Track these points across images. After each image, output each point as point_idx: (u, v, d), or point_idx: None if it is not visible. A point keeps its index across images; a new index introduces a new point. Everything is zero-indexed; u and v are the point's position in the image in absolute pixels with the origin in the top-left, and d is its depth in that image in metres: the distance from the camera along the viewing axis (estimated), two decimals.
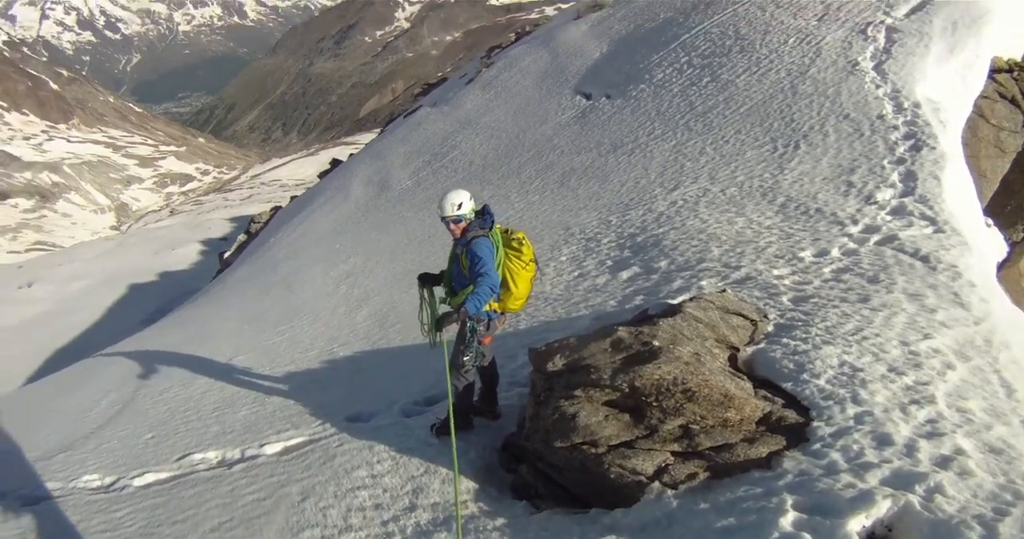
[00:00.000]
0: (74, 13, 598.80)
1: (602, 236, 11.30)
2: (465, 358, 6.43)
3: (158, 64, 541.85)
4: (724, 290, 6.54)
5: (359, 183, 26.31)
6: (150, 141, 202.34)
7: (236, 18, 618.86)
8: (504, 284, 6.14)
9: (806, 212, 9.24)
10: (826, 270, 7.42)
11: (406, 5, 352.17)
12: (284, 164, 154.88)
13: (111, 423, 9.59)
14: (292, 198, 42.06)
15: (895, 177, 9.79)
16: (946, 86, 13.25)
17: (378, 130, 44.62)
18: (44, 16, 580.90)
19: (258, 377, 10.23)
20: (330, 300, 14.63)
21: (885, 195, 9.27)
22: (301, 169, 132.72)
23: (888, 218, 8.59)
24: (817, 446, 4.82)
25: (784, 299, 6.79)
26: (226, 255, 36.99)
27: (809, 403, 5.21)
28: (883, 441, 4.74)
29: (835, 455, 4.69)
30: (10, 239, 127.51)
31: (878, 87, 13.18)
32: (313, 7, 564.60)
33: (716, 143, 13.72)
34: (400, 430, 7.10)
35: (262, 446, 7.41)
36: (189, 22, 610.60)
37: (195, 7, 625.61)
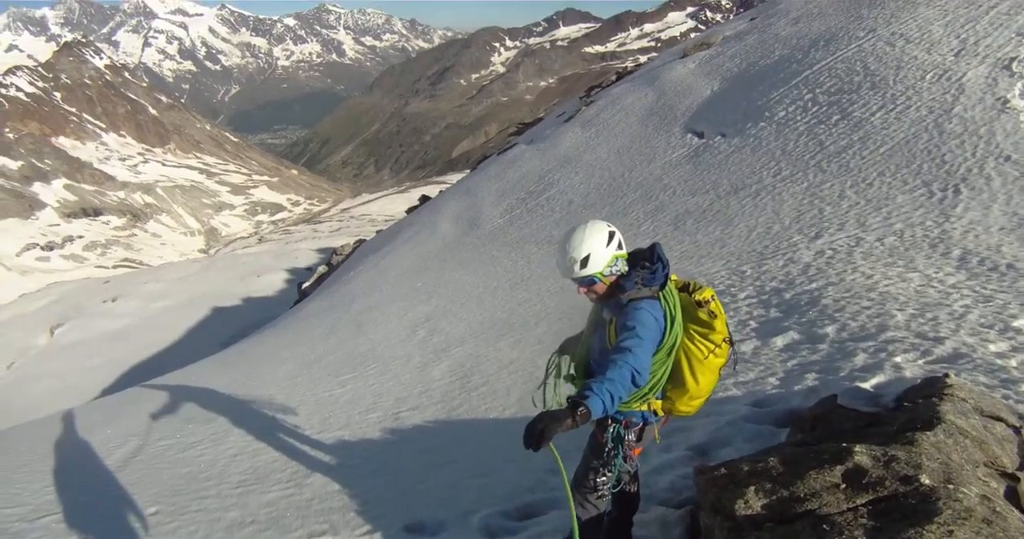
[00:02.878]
0: (176, 42, 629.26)
1: (737, 290, 10.16)
2: (601, 478, 4.38)
3: (255, 96, 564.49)
4: (947, 375, 4.93)
5: (447, 219, 25.88)
6: (244, 170, 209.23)
7: (335, 56, 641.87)
8: (677, 376, 4.25)
9: (995, 268, 8.23)
10: None
11: (502, 50, 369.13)
12: (375, 199, 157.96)
13: (115, 482, 8.33)
14: (378, 232, 41.87)
15: None
16: None
17: (470, 171, 44.66)
18: (147, 44, 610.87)
19: (303, 442, 8.88)
20: (404, 347, 13.56)
21: None
22: (392, 205, 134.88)
23: None
24: None
25: (1022, 389, 5.46)
26: (304, 286, 36.88)
27: None
28: None
29: None
30: (99, 254, 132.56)
31: None
32: (411, 49, 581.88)
33: (857, 186, 12.86)
34: None
35: None
36: (288, 57, 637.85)
37: (295, 43, 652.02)
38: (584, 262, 4.15)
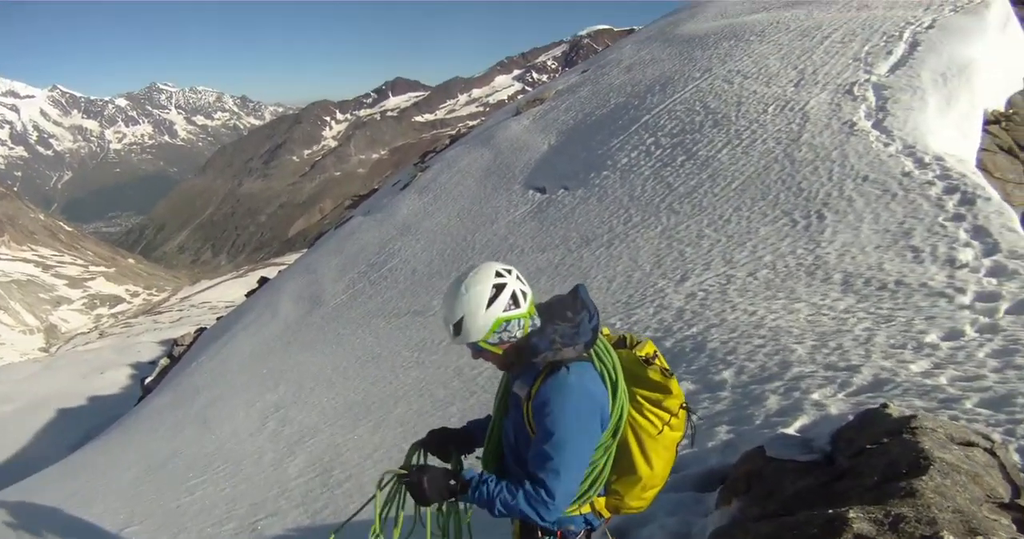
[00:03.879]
0: (7, 127, 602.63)
1: None
2: None
3: (89, 182, 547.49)
4: (886, 405, 4.30)
5: (288, 300, 24.78)
6: (80, 261, 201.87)
7: (167, 137, 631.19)
8: (624, 461, 3.23)
9: (884, 287, 7.75)
10: (983, 355, 5.73)
11: (333, 124, 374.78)
12: (214, 285, 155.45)
13: None
14: (218, 319, 40.73)
15: (963, 235, 8.59)
16: (949, 140, 12.64)
17: (307, 249, 43.77)
18: None
19: None
20: (254, 442, 12.69)
21: (967, 256, 7.99)
22: (231, 290, 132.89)
23: (996, 281, 7.21)
24: None
25: (969, 404, 4.91)
26: (147, 381, 35.36)
27: None
28: None
29: None
30: None
31: (887, 145, 12.32)
32: (242, 126, 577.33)
33: (715, 224, 12.42)
34: None
35: None
36: (120, 140, 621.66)
37: (127, 125, 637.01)
38: (456, 328, 3.12)
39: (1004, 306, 6.65)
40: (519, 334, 3.14)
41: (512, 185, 21.28)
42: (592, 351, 3.13)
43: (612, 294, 11.62)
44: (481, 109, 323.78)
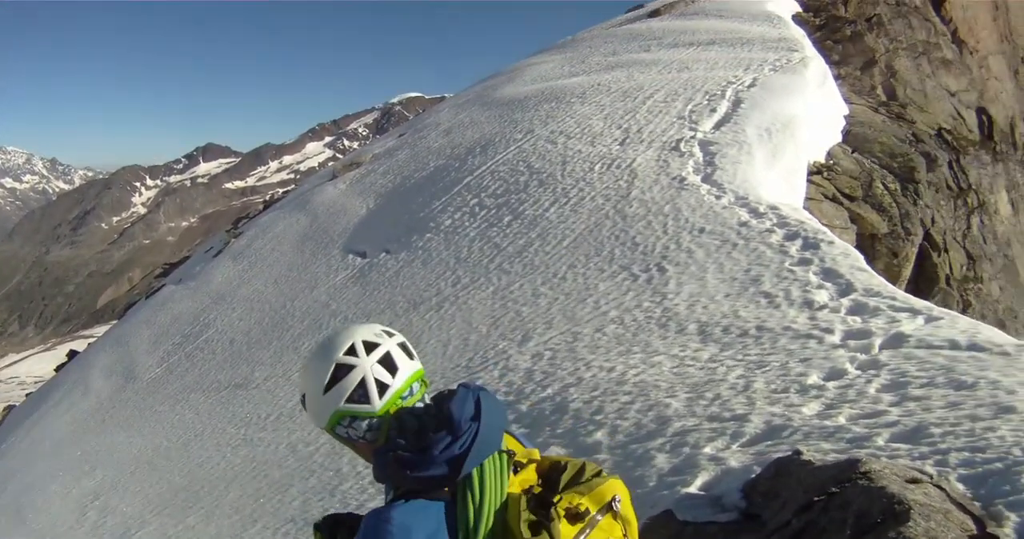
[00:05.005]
0: None
1: None
2: None
3: None
4: (800, 452, 4.01)
5: (99, 374, 22.99)
6: None
7: None
8: None
9: (745, 333, 7.49)
10: (874, 391, 5.48)
11: (143, 190, 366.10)
12: (21, 359, 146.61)
13: None
14: (27, 395, 37.55)
15: (814, 278, 8.53)
16: (778, 190, 12.94)
17: (117, 320, 41.55)
18: None
19: None
20: (74, 536, 11.64)
21: (822, 297, 7.90)
22: (40, 365, 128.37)
23: (860, 319, 7.09)
24: None
25: (881, 441, 4.59)
26: None
27: None
28: None
29: None
30: None
31: (719, 198, 12.37)
32: (51, 190, 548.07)
33: (550, 282, 11.99)
34: None
35: None
36: None
37: None
38: (303, 404, 2.55)
39: (878, 341, 6.49)
40: (368, 437, 2.43)
41: (331, 250, 20.57)
42: (466, 484, 2.29)
43: (450, 358, 11.01)
44: (292, 176, 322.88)
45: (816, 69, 18.14)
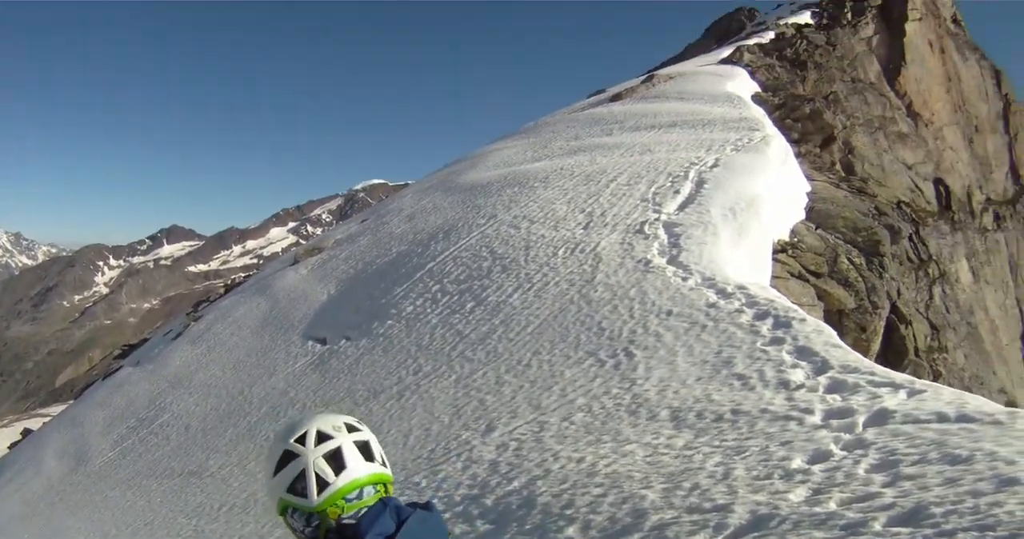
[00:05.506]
0: None
1: None
2: None
3: None
4: None
5: (52, 455, 22.50)
6: None
7: None
8: None
9: (720, 418, 7.20)
10: (864, 472, 5.24)
11: (106, 269, 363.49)
12: None
13: None
14: None
15: (788, 357, 8.37)
16: (744, 270, 12.96)
17: (74, 400, 40.90)
18: None
19: None
20: None
21: (798, 377, 7.72)
22: None
23: (840, 397, 6.91)
24: None
25: (879, 527, 4.35)
26: None
27: None
28: None
29: None
30: None
31: (685, 279, 12.29)
32: (14, 265, 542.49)
33: (514, 369, 11.68)
34: None
35: None
36: None
37: None
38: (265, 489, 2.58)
39: (861, 419, 6.31)
40: (308, 533, 2.34)
41: (291, 336, 20.27)
42: None
43: (411, 449, 10.63)
44: (255, 261, 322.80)
45: (777, 147, 18.38)
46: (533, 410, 9.83)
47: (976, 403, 6.14)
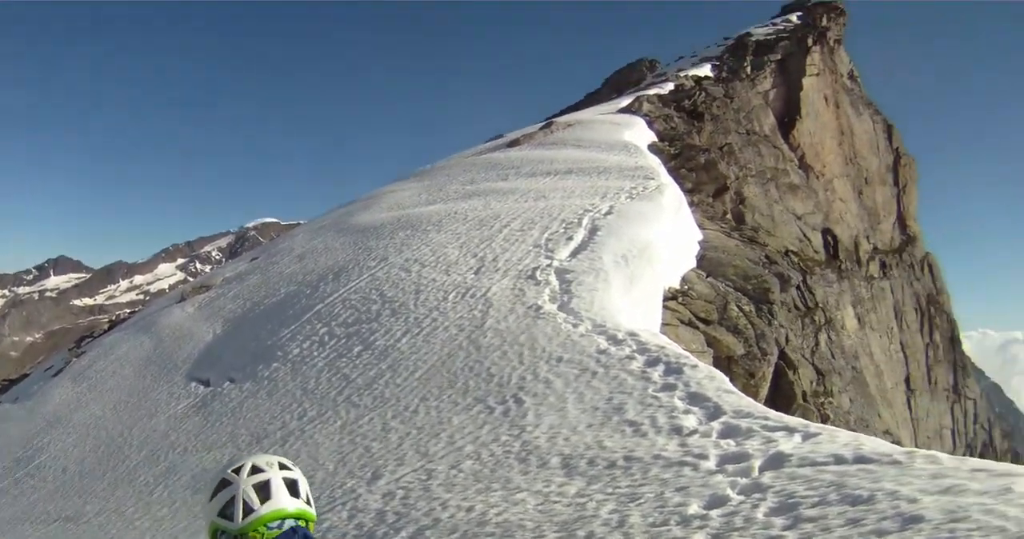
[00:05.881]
0: None
1: None
2: None
3: None
4: None
5: None
6: None
7: None
8: None
9: (612, 465, 7.14)
10: (763, 516, 5.28)
11: None
12: None
13: None
14: None
15: (680, 403, 8.40)
16: (635, 317, 13.06)
17: None
18: None
19: None
20: None
21: (691, 422, 7.73)
22: None
23: (734, 442, 6.94)
24: None
25: None
26: None
27: None
28: None
29: None
30: None
31: (576, 326, 12.31)
32: None
33: (401, 415, 11.50)
34: None
35: None
36: None
37: None
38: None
39: (757, 463, 6.33)
40: None
41: (173, 376, 19.68)
42: None
43: None
44: (142, 297, 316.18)
45: (671, 196, 18.69)
46: (420, 457, 9.66)
47: (873, 444, 6.21)
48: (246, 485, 2.71)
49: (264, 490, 2.72)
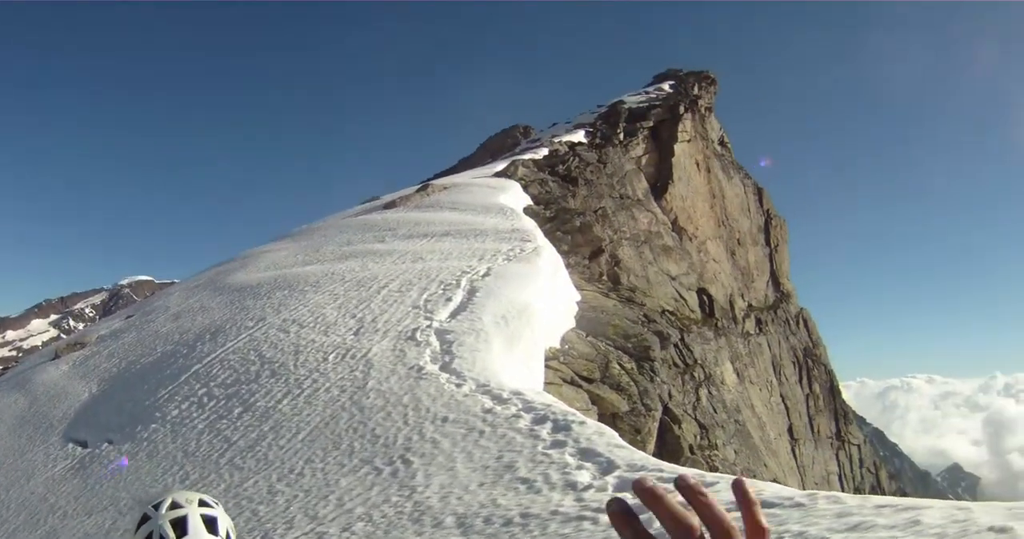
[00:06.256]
0: None
1: None
2: None
3: None
4: None
5: None
6: None
7: None
8: None
9: (509, 522, 7.21)
10: None
11: None
12: None
13: None
14: None
15: (571, 459, 8.56)
16: (517, 376, 13.24)
17: None
18: None
19: None
20: None
21: (584, 478, 7.89)
22: None
23: (631, 495, 6.87)
24: None
25: None
26: None
27: None
28: None
29: None
30: None
31: (459, 386, 12.46)
32: None
33: (287, 478, 11.34)
34: None
35: None
36: None
37: None
38: None
39: None
40: None
41: (50, 436, 18.85)
42: None
43: None
44: (14, 354, 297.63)
45: (548, 258, 19.05)
46: (310, 520, 9.55)
47: (773, 489, 6.41)
48: (163, 520, 2.76)
49: (181, 526, 2.75)
